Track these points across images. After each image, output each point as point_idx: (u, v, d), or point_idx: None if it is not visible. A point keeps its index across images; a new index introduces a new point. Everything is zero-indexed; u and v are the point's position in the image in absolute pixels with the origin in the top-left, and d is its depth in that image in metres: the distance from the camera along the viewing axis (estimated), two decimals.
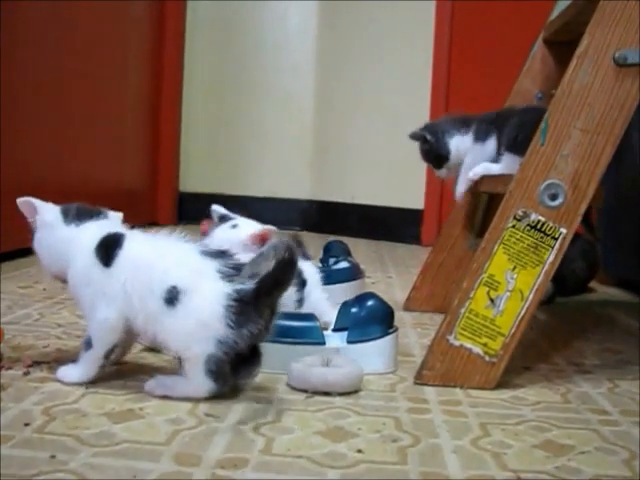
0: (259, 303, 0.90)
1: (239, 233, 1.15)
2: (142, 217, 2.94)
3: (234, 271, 0.92)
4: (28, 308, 1.42)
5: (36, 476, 0.70)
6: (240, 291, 0.89)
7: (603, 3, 1.03)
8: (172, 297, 0.90)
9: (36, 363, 1.05)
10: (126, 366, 1.06)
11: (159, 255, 0.94)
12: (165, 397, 0.93)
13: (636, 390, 1.09)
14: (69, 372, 0.98)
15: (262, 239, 1.15)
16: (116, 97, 2.71)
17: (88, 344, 0.96)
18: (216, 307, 0.89)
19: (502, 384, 1.06)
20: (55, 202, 1.03)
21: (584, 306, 1.85)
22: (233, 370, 0.94)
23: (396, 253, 2.71)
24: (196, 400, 0.92)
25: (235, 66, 3.34)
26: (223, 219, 1.21)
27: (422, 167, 3.03)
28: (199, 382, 0.91)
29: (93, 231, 0.98)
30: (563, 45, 1.53)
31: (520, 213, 1.05)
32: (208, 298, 0.90)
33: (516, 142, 1.41)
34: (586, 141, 1.04)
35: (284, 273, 0.91)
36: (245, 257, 1.12)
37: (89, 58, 2.42)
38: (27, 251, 1.98)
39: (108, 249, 0.95)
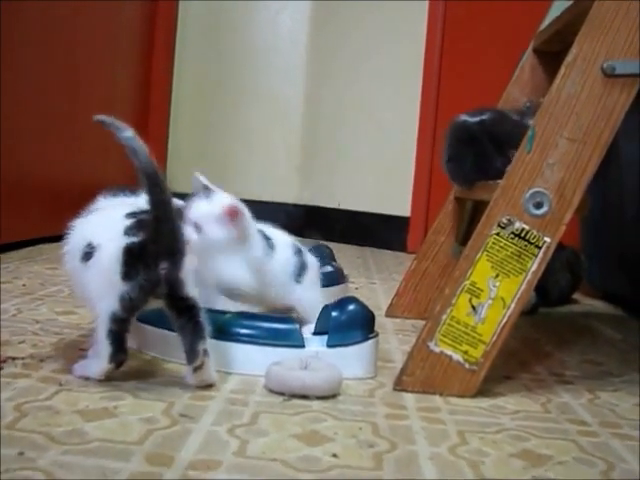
0: (147, 253, 0.91)
1: (213, 207, 1.14)
2: None
3: (138, 226, 0.93)
4: (6, 303, 1.40)
5: (2, 473, 0.68)
6: (131, 243, 0.92)
7: (592, 14, 1.03)
8: (88, 253, 0.93)
9: (10, 359, 1.03)
10: None
11: (86, 219, 1.00)
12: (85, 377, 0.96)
13: (616, 402, 1.09)
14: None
15: (231, 214, 1.13)
16: (104, 96, 2.68)
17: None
18: (113, 261, 0.91)
19: (482, 392, 1.05)
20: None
21: (567, 317, 1.85)
22: (187, 355, 0.96)
23: (381, 259, 2.71)
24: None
25: (225, 68, 3.33)
26: (205, 189, 1.19)
27: (409, 174, 3.07)
28: (103, 348, 0.93)
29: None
30: (552, 55, 1.53)
31: (504, 221, 1.05)
32: (108, 253, 0.92)
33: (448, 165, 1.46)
34: (573, 150, 1.03)
35: (162, 222, 0.92)
36: (220, 231, 1.12)
37: (78, 57, 2.40)
38: (6, 247, 1.97)
39: None
